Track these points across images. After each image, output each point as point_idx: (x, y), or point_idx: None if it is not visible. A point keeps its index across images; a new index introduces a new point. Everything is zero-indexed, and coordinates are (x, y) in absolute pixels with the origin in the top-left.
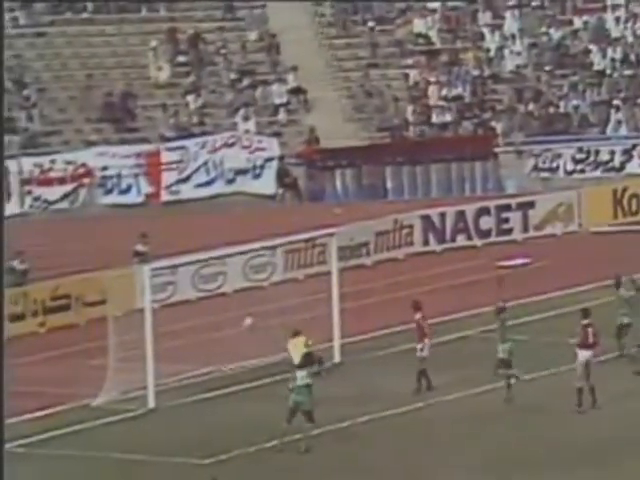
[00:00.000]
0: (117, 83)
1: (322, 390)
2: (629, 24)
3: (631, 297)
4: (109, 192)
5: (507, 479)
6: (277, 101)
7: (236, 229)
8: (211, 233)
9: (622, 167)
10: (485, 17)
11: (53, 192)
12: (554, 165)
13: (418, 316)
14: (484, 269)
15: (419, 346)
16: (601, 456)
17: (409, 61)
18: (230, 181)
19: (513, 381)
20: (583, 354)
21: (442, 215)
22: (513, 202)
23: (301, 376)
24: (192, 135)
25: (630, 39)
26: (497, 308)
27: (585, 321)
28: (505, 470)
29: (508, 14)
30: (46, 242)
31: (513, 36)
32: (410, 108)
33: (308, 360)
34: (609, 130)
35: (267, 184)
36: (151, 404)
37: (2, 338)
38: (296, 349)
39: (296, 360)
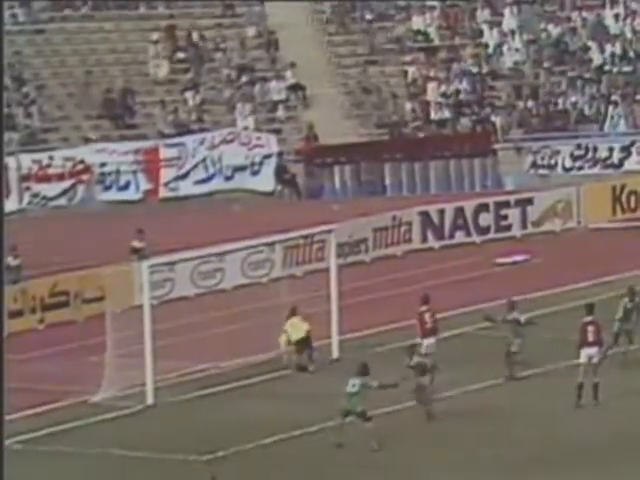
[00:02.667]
0: (116, 80)
1: (320, 387)
2: (628, 20)
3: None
4: (108, 188)
5: (506, 477)
6: (276, 98)
7: (235, 226)
8: (210, 230)
9: (621, 164)
10: (484, 14)
11: (52, 188)
12: (553, 162)
13: (423, 309)
14: (483, 266)
15: (420, 344)
16: (602, 456)
17: (408, 58)
18: (229, 178)
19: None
20: (585, 353)
21: (441, 212)
22: (512, 199)
23: (352, 383)
24: (191, 132)
25: (629, 35)
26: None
27: (587, 318)
28: (504, 468)
29: (507, 11)
30: (44, 238)
31: (512, 32)
32: (409, 105)
33: (364, 370)
34: (607, 127)
35: (266, 181)
36: (150, 400)
37: (2, 336)
38: (295, 328)
39: (294, 338)
